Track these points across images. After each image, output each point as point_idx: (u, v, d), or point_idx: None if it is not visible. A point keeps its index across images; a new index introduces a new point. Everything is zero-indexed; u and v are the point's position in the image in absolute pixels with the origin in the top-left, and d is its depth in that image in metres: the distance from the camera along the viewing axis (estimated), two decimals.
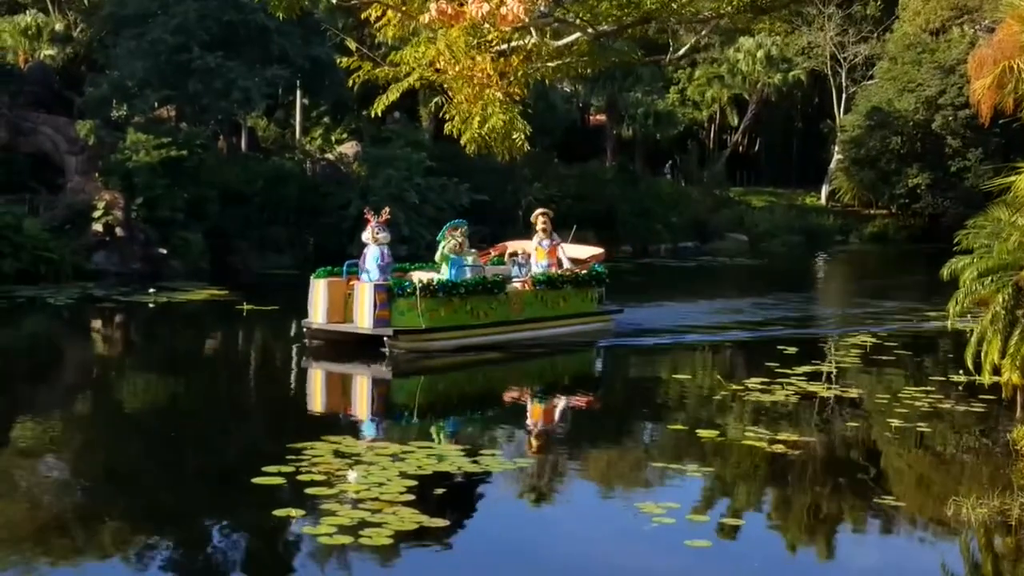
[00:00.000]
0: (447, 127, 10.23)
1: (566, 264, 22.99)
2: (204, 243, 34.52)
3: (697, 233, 53.07)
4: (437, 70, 10.49)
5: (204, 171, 35.27)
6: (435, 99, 11.24)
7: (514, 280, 22.27)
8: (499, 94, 10.51)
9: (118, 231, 32.84)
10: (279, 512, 10.93)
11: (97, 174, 33.77)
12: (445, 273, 21.13)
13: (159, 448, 14.54)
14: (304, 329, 21.03)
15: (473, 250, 22.58)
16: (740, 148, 68.20)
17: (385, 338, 19.91)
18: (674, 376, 19.85)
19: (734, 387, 17.94)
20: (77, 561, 10.19)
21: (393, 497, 11.41)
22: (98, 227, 32.67)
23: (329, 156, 41.27)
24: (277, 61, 39.27)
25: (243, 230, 36.27)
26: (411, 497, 11.44)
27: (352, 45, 10.90)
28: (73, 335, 25.16)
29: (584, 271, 23.20)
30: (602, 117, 61.72)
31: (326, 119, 45.93)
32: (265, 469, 12.20)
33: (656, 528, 11.03)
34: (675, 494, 12.42)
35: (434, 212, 37.71)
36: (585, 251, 24.59)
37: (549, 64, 11.51)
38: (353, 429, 15.89)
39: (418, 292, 19.96)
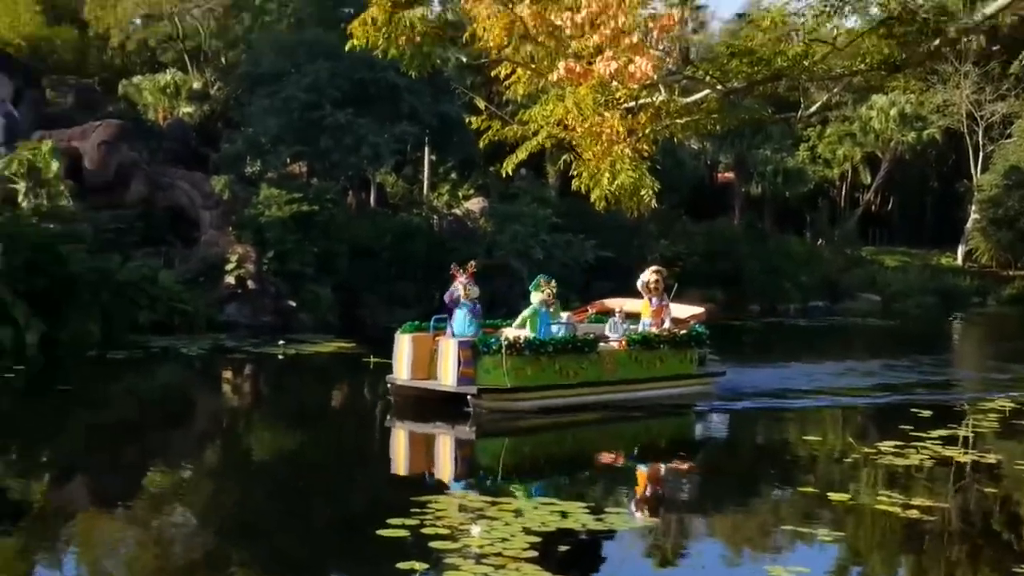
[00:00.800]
0: (575, 183, 10.25)
1: (667, 324, 22.21)
2: (333, 297, 35.07)
3: (828, 293, 52.16)
4: (565, 127, 10.52)
5: (334, 226, 35.92)
6: (563, 157, 11.26)
7: (611, 339, 21.62)
8: (628, 151, 10.50)
9: (250, 284, 33.55)
10: (403, 565, 10.92)
11: (231, 228, 34.63)
12: (531, 331, 20.40)
13: (286, 497, 14.70)
14: (388, 385, 20.61)
15: (562, 314, 21.51)
16: (872, 207, 67.08)
17: (469, 396, 19.43)
18: (802, 438, 19.42)
19: (866, 450, 17.48)
20: None
21: (517, 552, 11.32)
22: (230, 280, 33.42)
23: (456, 212, 41.67)
24: (406, 118, 39.94)
25: (371, 284, 36.74)
26: (534, 553, 11.35)
27: (481, 104, 11.03)
28: (204, 385, 25.71)
29: (684, 331, 22.35)
30: (730, 174, 61.35)
31: (453, 175, 46.48)
32: (389, 521, 12.23)
33: None
34: (805, 558, 12.11)
35: (558, 268, 37.63)
36: (686, 311, 23.39)
37: (678, 121, 11.48)
38: (467, 485, 15.82)
39: (504, 350, 19.45)
